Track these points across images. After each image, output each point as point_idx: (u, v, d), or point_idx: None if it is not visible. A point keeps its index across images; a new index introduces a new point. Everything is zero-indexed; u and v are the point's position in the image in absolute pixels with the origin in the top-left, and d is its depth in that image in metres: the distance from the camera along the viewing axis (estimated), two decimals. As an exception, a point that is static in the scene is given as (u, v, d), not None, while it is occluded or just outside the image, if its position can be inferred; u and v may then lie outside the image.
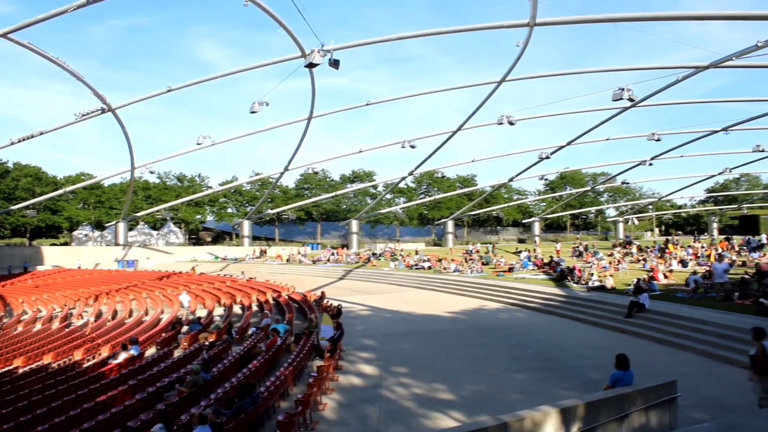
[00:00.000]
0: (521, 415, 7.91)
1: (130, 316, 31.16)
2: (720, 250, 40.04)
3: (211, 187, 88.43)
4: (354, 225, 77.37)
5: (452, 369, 16.49)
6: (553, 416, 8.06)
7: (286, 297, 32.77)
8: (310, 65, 26.52)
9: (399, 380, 15.33)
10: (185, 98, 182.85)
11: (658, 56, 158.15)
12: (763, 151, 50.27)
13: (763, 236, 50.49)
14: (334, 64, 25.62)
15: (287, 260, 64.24)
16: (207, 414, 9.60)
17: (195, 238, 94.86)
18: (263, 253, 70.69)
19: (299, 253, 68.16)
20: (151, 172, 57.85)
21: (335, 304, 28.07)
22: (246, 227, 76.40)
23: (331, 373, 15.24)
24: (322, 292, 32.95)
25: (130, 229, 76.43)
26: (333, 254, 63.80)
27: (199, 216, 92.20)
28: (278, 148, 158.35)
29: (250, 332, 22.38)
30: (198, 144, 43.17)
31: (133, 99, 40.23)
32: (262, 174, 76.87)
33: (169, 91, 36.67)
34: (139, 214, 75.15)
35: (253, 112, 32.58)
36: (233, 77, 48.07)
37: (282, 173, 64.01)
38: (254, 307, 31.25)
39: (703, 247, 43.32)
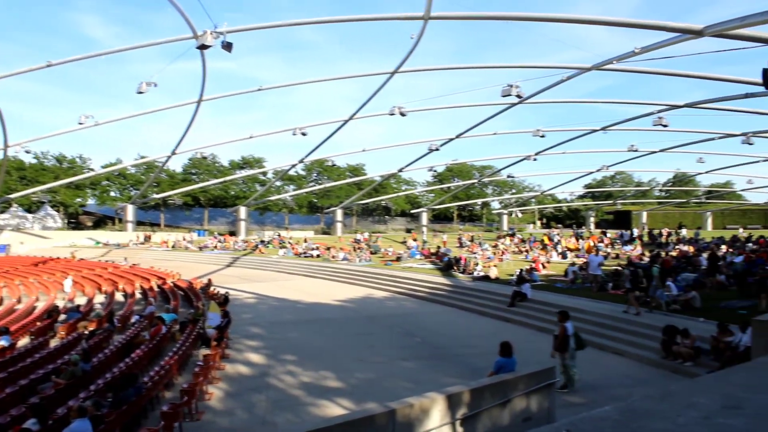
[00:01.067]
0: (408, 401, 8.02)
1: (0, 304, 29.40)
2: (592, 243, 42.14)
3: (93, 170, 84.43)
4: (242, 212, 76.05)
5: (340, 357, 16.57)
6: (439, 402, 8.22)
7: (171, 284, 31.88)
8: (202, 47, 25.85)
9: (287, 369, 15.27)
10: (66, 75, 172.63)
11: (545, 56, 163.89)
12: (636, 150, 53.10)
13: (635, 230, 53.57)
14: (227, 47, 25.01)
15: (173, 246, 62.44)
16: (86, 406, 9.19)
17: (74, 222, 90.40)
18: (148, 238, 68.42)
19: (185, 239, 66.44)
20: (27, 152, 54.68)
21: (222, 291, 27.57)
22: (130, 212, 73.54)
23: (217, 362, 14.98)
24: (209, 280, 32.30)
25: (2, 212, 71.98)
26: (220, 241, 62.63)
27: (79, 199, 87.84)
28: (166, 131, 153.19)
29: (133, 320, 21.65)
30: (80, 124, 41.05)
31: (7, 72, 37.76)
32: (148, 157, 74.14)
33: (48, 66, 34.62)
34: (12, 196, 70.62)
35: (140, 93, 31.34)
36: (120, 56, 46.13)
37: (169, 157, 62.06)
38: (138, 295, 30.24)
39: (581, 239, 45.48)
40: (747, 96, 31.27)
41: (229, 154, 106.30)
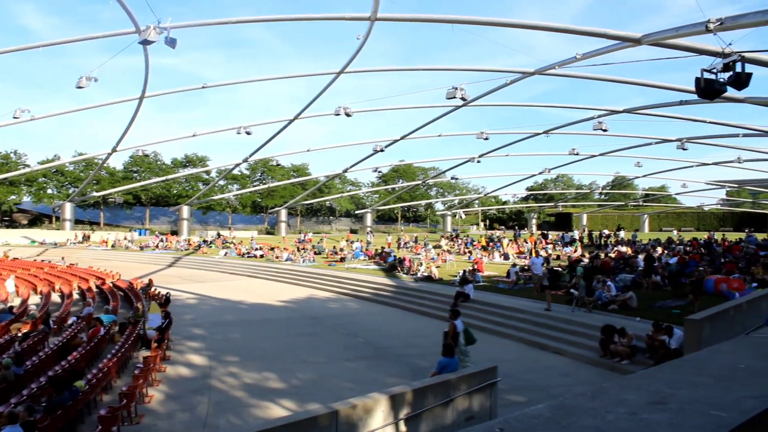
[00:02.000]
0: (352, 402, 8.06)
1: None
2: (530, 245, 42.94)
3: (28, 166, 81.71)
4: (185, 211, 75.01)
5: (283, 358, 16.49)
6: (382, 403, 8.27)
7: (111, 285, 31.22)
8: (145, 42, 25.33)
9: (229, 370, 15.13)
10: (1, 67, 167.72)
11: (490, 59, 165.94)
12: (577, 154, 54.18)
13: (575, 232, 54.76)
14: (171, 43, 24.57)
15: (113, 246, 61.19)
16: (18, 412, 8.93)
17: (8, 220, 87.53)
18: (87, 238, 66.79)
19: (126, 238, 65.10)
20: (-42, 146, 52.96)
21: (163, 292, 27.12)
22: (68, 210, 71.73)
23: (158, 364, 14.73)
24: (150, 280, 31.72)
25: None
26: (162, 240, 61.63)
27: (13, 196, 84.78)
28: (107, 127, 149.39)
29: (70, 322, 21.13)
30: (15, 118, 39.87)
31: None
32: (88, 154, 72.48)
33: (-20, 57, 33.52)
34: (-59, 193, 68.20)
35: (80, 88, 30.56)
36: (58, 48, 44.76)
37: (110, 154, 60.59)
38: (75, 296, 29.52)
39: (525, 242, 46.24)
40: (682, 103, 32.27)
41: (171, 152, 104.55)
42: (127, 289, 29.46)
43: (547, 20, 41.48)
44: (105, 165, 74.16)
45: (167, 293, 26.25)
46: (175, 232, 74.20)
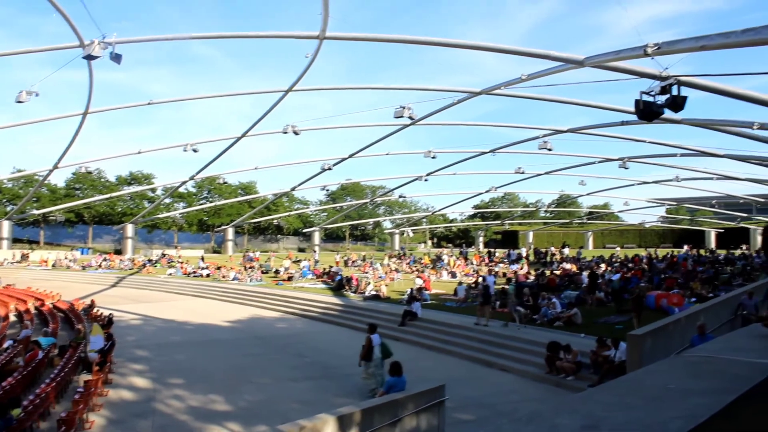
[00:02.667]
0: (299, 423, 8.03)
1: None
2: (475, 263, 43.42)
3: (-38, 182, 79.42)
4: (129, 229, 73.51)
5: (230, 379, 16.31)
6: (330, 424, 8.27)
7: (51, 306, 30.38)
8: (89, 57, 24.88)
9: (173, 392, 14.87)
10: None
11: (437, 79, 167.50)
12: (523, 173, 55.04)
13: (522, 250, 55.59)
14: (116, 58, 24.18)
15: (53, 265, 59.56)
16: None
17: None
18: (25, 257, 64.86)
19: (67, 258, 63.49)
20: None
21: (106, 313, 26.50)
22: (5, 228, 69.48)
23: (99, 388, 14.37)
24: (92, 301, 30.95)
25: None
26: (105, 260, 60.28)
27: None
28: (48, 143, 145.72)
29: (5, 345, 20.45)
30: (-50, 134, 38.73)
31: None
32: (27, 170, 70.56)
33: None
34: None
35: (20, 102, 29.76)
36: (-4, 64, 43.46)
37: (51, 171, 58.99)
38: (12, 318, 28.63)
39: (471, 262, 46.75)
40: (623, 123, 33.12)
41: (116, 170, 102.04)
42: (67, 310, 28.70)
43: (493, 41, 42.22)
44: (46, 182, 72.38)
45: (110, 314, 25.68)
46: (119, 251, 72.67)
